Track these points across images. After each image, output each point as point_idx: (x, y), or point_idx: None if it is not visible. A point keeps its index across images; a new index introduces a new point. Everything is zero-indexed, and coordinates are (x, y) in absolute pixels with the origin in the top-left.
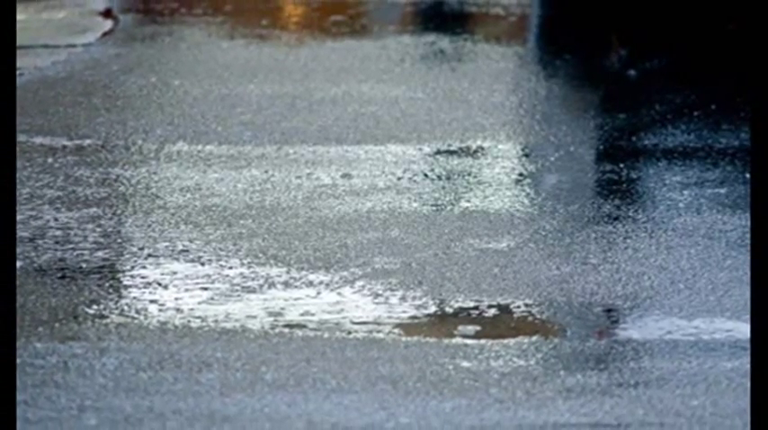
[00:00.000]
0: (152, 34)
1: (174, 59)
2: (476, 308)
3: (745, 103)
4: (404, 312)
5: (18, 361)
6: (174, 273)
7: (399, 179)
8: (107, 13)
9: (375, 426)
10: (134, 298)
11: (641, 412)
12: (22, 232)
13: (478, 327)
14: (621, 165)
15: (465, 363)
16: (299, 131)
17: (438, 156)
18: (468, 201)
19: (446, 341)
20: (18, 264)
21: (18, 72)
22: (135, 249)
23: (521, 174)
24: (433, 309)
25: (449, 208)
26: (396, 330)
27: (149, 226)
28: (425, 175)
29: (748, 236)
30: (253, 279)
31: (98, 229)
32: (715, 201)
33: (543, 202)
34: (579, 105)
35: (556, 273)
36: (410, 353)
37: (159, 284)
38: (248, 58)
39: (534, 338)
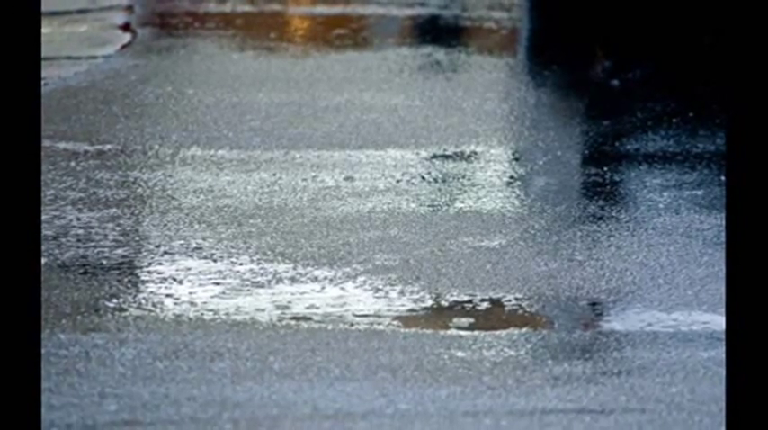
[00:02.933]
0: (168, 47)
1: (189, 70)
2: (469, 301)
3: (720, 110)
4: (402, 306)
5: (43, 351)
6: (189, 269)
7: (398, 181)
8: (126, 27)
9: (375, 412)
10: (151, 292)
11: (624, 399)
12: (46, 231)
13: (472, 320)
14: (605, 169)
15: (459, 353)
16: (304, 137)
17: (434, 160)
18: (463, 202)
19: (442, 332)
20: (43, 260)
21: (43, 82)
22: (152, 247)
23: (511, 177)
24: (429, 302)
25: (444, 208)
26: (395, 322)
27: (165, 225)
28: (423, 178)
29: (723, 234)
30: (262, 274)
31: (117, 228)
32: (692, 202)
33: (532, 203)
34: (566, 113)
35: (544, 269)
36: (408, 344)
37: (174, 280)
38: (257, 68)
39: (524, 330)
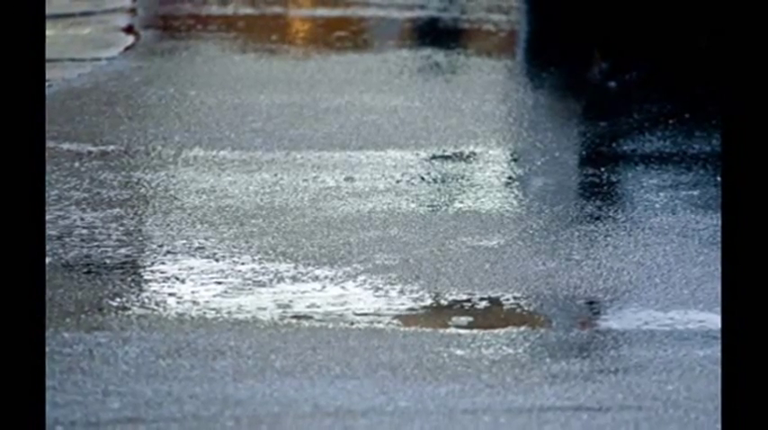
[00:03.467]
0: (170, 49)
1: (191, 72)
2: (468, 300)
3: (715, 111)
4: (402, 304)
5: (47, 349)
6: (191, 268)
7: (398, 182)
8: (129, 29)
9: (376, 410)
10: (154, 291)
11: (620, 396)
12: (50, 230)
13: (471, 318)
14: (602, 169)
15: (458, 352)
16: (305, 138)
17: (434, 161)
18: (462, 202)
19: (441, 331)
20: (47, 260)
21: (47, 83)
22: (155, 246)
23: (510, 178)
24: (429, 301)
25: (444, 208)
26: (395, 321)
27: (168, 225)
28: (422, 178)
29: (719, 234)
30: (263, 274)
31: (121, 228)
32: (688, 203)
33: (530, 203)
34: (564, 114)
35: (542, 269)
36: (408, 342)
37: (177, 279)
38: (259, 70)
39: (522, 328)
